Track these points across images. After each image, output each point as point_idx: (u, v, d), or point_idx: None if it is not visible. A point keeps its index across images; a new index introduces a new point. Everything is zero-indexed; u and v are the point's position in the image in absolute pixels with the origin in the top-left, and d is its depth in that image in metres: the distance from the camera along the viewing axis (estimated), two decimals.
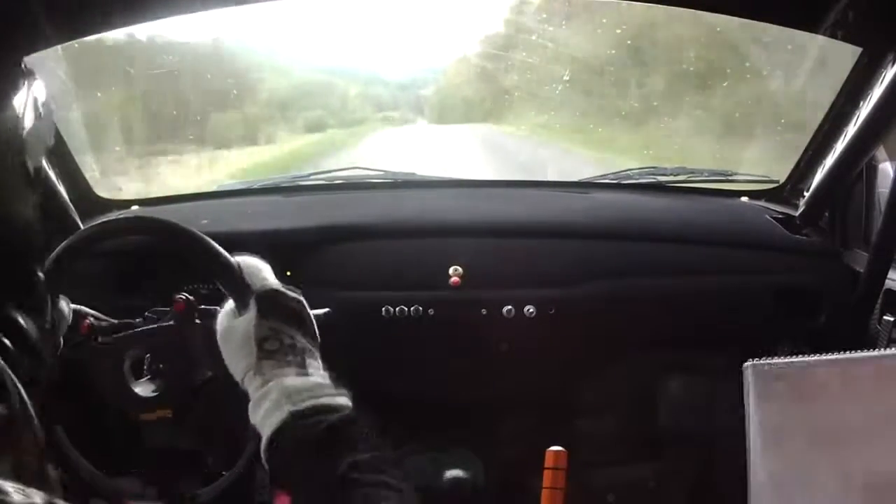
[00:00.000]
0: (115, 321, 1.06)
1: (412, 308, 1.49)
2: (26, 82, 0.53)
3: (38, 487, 0.49)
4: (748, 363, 0.72)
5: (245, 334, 0.84)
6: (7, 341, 0.54)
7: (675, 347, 1.64)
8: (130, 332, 1.04)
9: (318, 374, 0.83)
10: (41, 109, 0.54)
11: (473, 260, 1.52)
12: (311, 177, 1.88)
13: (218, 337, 0.88)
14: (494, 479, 1.62)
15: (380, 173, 1.87)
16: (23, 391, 0.55)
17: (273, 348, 0.82)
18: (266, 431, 0.77)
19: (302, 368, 0.82)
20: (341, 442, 0.76)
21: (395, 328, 1.49)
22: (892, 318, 1.38)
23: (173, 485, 1.03)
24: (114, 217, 1.40)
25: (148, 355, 1.03)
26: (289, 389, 0.79)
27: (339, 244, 1.55)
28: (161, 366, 1.02)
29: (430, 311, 1.49)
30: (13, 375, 0.55)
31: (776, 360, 0.85)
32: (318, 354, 0.85)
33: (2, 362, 0.53)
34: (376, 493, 0.72)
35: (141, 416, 1.01)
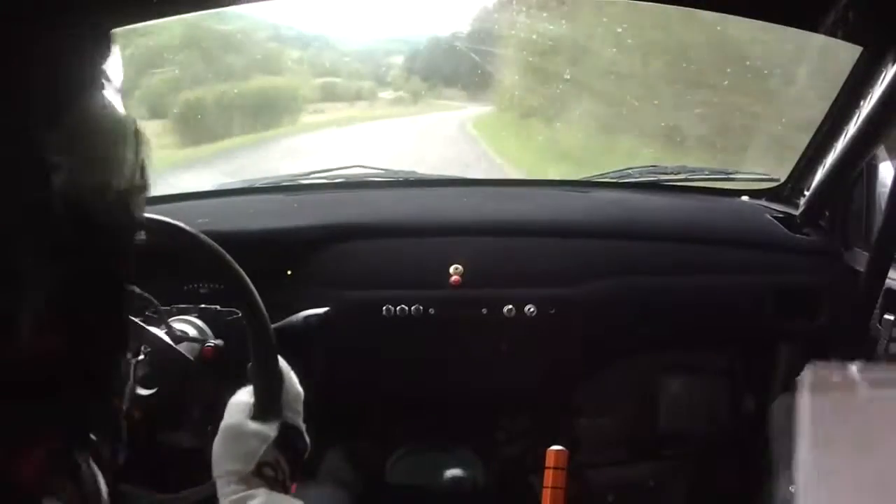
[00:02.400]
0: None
1: (412, 307, 1.49)
2: (113, 54, 0.52)
3: None
4: (808, 367, 0.67)
5: (250, 449, 0.85)
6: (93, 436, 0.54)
7: (675, 347, 1.64)
8: (143, 327, 1.03)
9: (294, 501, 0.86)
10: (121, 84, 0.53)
11: (474, 259, 1.52)
12: (312, 175, 1.88)
13: (223, 427, 0.88)
14: (494, 479, 1.62)
15: (380, 172, 1.87)
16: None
17: (269, 475, 0.85)
18: None
19: (286, 492, 0.85)
20: None
21: (395, 327, 1.49)
22: (892, 318, 1.38)
23: (158, 485, 1.03)
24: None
25: (145, 347, 1.02)
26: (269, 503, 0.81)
27: (340, 243, 1.55)
28: (161, 372, 1.01)
29: (431, 311, 1.49)
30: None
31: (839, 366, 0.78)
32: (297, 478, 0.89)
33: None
34: None
35: (115, 399, 0.99)
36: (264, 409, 0.89)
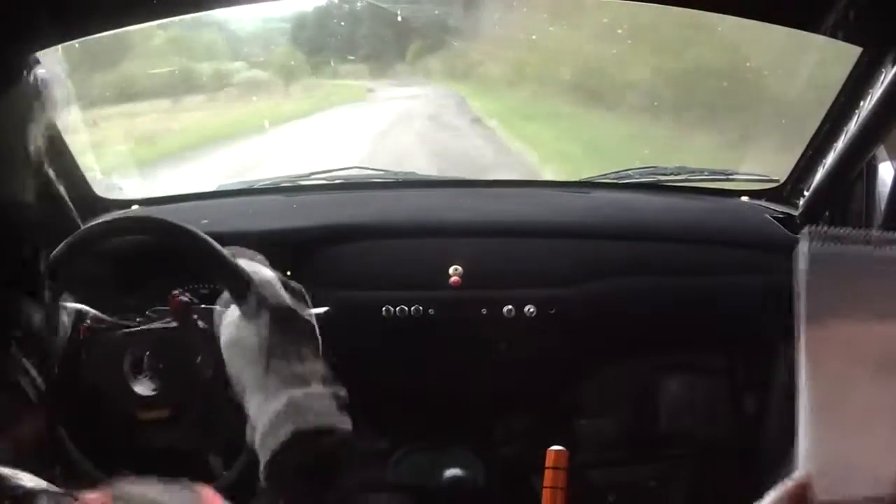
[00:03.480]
0: (115, 319, 1.06)
1: (412, 308, 1.49)
2: (34, 77, 0.53)
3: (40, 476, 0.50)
4: (805, 230, 0.64)
5: (255, 348, 0.83)
6: (18, 334, 0.55)
7: (675, 347, 1.64)
8: (130, 330, 1.04)
9: (322, 394, 0.82)
10: (47, 104, 0.55)
11: (474, 259, 1.52)
12: (312, 176, 1.88)
13: (223, 343, 0.87)
14: (494, 479, 1.61)
15: (380, 173, 1.88)
16: (28, 385, 0.56)
17: (282, 366, 0.82)
18: (267, 448, 0.77)
19: (307, 387, 0.81)
20: (340, 464, 0.77)
21: (395, 328, 1.49)
22: None
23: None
24: (117, 216, 1.40)
25: (147, 353, 1.03)
26: (293, 408, 0.78)
27: (339, 244, 1.55)
28: (160, 365, 1.02)
29: (431, 311, 1.49)
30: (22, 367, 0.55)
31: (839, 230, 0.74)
32: (322, 375, 0.85)
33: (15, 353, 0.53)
34: None
35: (139, 415, 1.01)
36: (248, 306, 0.87)
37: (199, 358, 0.99)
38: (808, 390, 0.66)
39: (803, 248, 0.68)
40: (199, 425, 1.02)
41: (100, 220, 1.00)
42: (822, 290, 0.68)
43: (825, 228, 0.68)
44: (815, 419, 0.66)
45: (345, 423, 0.80)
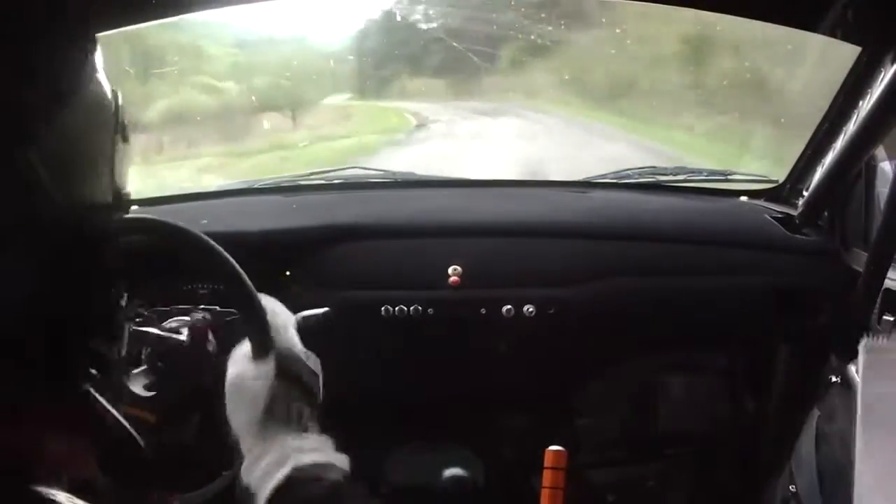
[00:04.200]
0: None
1: (412, 308, 1.49)
2: (98, 57, 0.53)
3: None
4: (864, 341, 0.66)
5: (256, 389, 0.84)
6: (94, 372, 0.54)
7: (675, 347, 1.65)
8: (138, 329, 1.03)
9: (318, 440, 0.83)
10: (110, 86, 0.54)
11: (473, 259, 1.52)
12: (311, 177, 1.89)
13: (227, 380, 0.87)
14: (494, 479, 1.62)
15: (379, 173, 1.88)
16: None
17: (281, 412, 0.83)
18: (265, 491, 0.77)
19: (305, 433, 0.83)
20: (342, 501, 0.76)
21: (394, 328, 1.50)
22: (892, 318, 1.38)
23: (161, 486, 1.03)
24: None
25: (147, 353, 1.02)
26: (289, 450, 0.79)
27: (339, 244, 1.55)
28: (158, 364, 1.01)
29: (430, 311, 1.49)
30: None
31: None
32: (317, 425, 0.86)
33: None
34: None
35: (123, 410, 1.00)
36: (258, 345, 0.87)
37: (201, 376, 0.99)
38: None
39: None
40: (185, 434, 1.02)
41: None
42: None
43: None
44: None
45: (342, 462, 0.81)
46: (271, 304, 0.91)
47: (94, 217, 0.53)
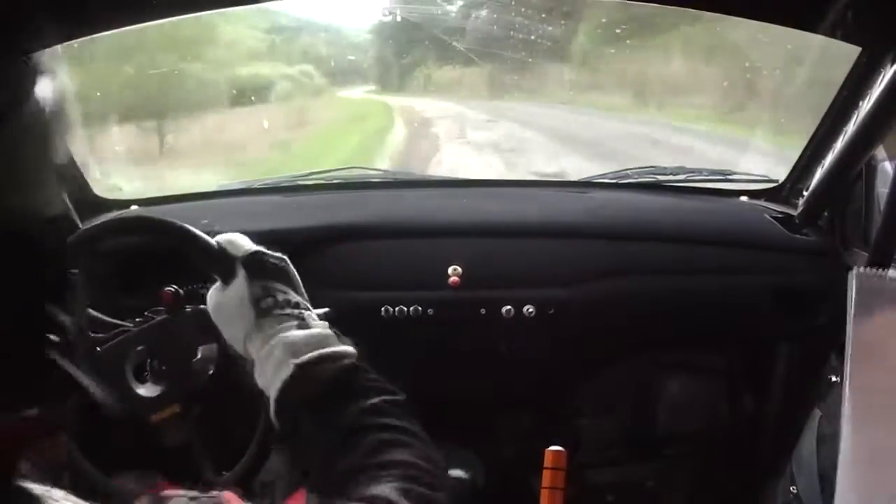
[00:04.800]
0: (113, 321, 1.06)
1: (411, 308, 1.49)
2: (32, 78, 0.53)
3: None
4: (854, 270, 0.66)
5: (238, 300, 0.84)
6: (52, 338, 0.54)
7: (675, 347, 1.65)
8: (127, 334, 1.04)
9: (317, 325, 0.83)
10: (47, 105, 0.54)
11: (473, 260, 1.52)
12: (311, 176, 1.88)
13: (211, 313, 0.88)
14: (494, 479, 1.61)
15: (379, 173, 1.88)
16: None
17: (268, 305, 0.83)
18: (274, 390, 0.77)
19: (301, 321, 0.82)
20: (350, 389, 0.76)
21: (394, 328, 1.49)
22: None
23: (191, 479, 1.03)
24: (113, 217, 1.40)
25: (149, 359, 1.03)
26: (291, 343, 0.78)
27: (339, 244, 1.55)
28: (162, 362, 1.02)
29: (430, 311, 1.49)
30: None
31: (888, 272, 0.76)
32: (311, 308, 0.86)
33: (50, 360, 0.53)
34: (393, 437, 0.72)
35: (151, 418, 1.01)
36: (223, 271, 0.88)
37: (198, 344, 1.00)
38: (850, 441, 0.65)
39: (852, 281, 0.67)
40: (210, 414, 1.03)
41: (99, 221, 1.00)
42: (870, 328, 0.68)
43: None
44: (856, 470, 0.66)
45: (346, 347, 0.80)
46: (228, 237, 0.92)
47: (48, 223, 0.54)
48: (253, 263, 0.87)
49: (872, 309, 0.73)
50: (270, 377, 0.78)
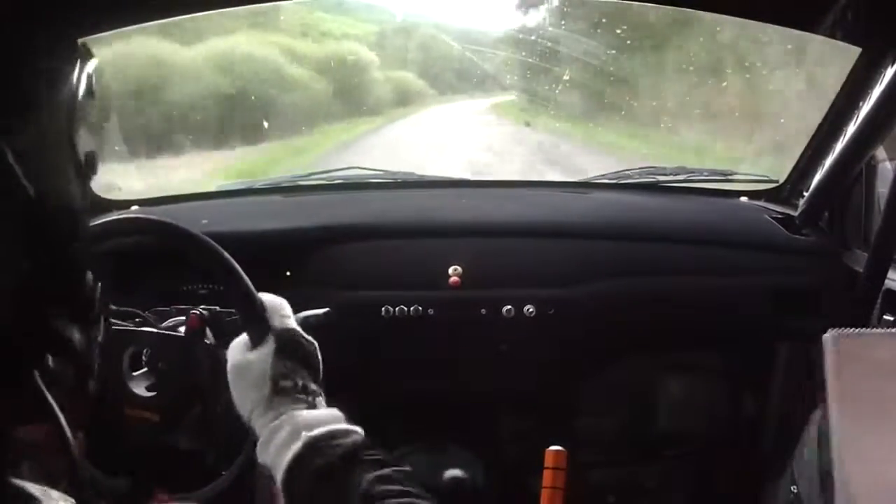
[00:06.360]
0: (115, 320, 1.05)
1: (412, 308, 1.49)
2: (83, 61, 0.53)
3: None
4: (828, 333, 0.69)
5: (260, 370, 0.85)
6: (51, 358, 0.54)
7: (675, 347, 1.65)
8: (137, 329, 1.03)
9: (329, 410, 0.84)
10: (94, 90, 0.55)
11: (473, 260, 1.52)
12: (311, 177, 1.89)
13: (229, 368, 0.88)
14: (494, 479, 1.62)
15: (379, 173, 1.87)
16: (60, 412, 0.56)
17: (287, 387, 0.84)
18: (282, 464, 0.78)
19: (313, 407, 0.84)
20: (361, 462, 0.77)
21: (394, 328, 1.49)
22: (892, 318, 1.38)
23: (165, 486, 1.03)
24: (116, 217, 1.39)
25: (147, 353, 1.02)
26: (303, 421, 0.80)
27: (339, 244, 1.55)
28: (159, 367, 1.01)
29: (430, 311, 1.49)
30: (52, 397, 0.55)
31: (859, 330, 0.79)
32: (323, 395, 0.87)
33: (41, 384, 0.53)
34: (410, 503, 0.75)
35: (129, 413, 1.00)
36: (255, 332, 0.88)
37: (201, 369, 0.99)
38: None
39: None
40: (188, 433, 1.02)
41: (101, 221, 1.00)
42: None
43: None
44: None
45: (355, 427, 0.82)
46: (267, 297, 0.92)
47: (68, 214, 0.53)
48: (286, 341, 0.88)
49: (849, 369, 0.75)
50: (277, 451, 0.79)
